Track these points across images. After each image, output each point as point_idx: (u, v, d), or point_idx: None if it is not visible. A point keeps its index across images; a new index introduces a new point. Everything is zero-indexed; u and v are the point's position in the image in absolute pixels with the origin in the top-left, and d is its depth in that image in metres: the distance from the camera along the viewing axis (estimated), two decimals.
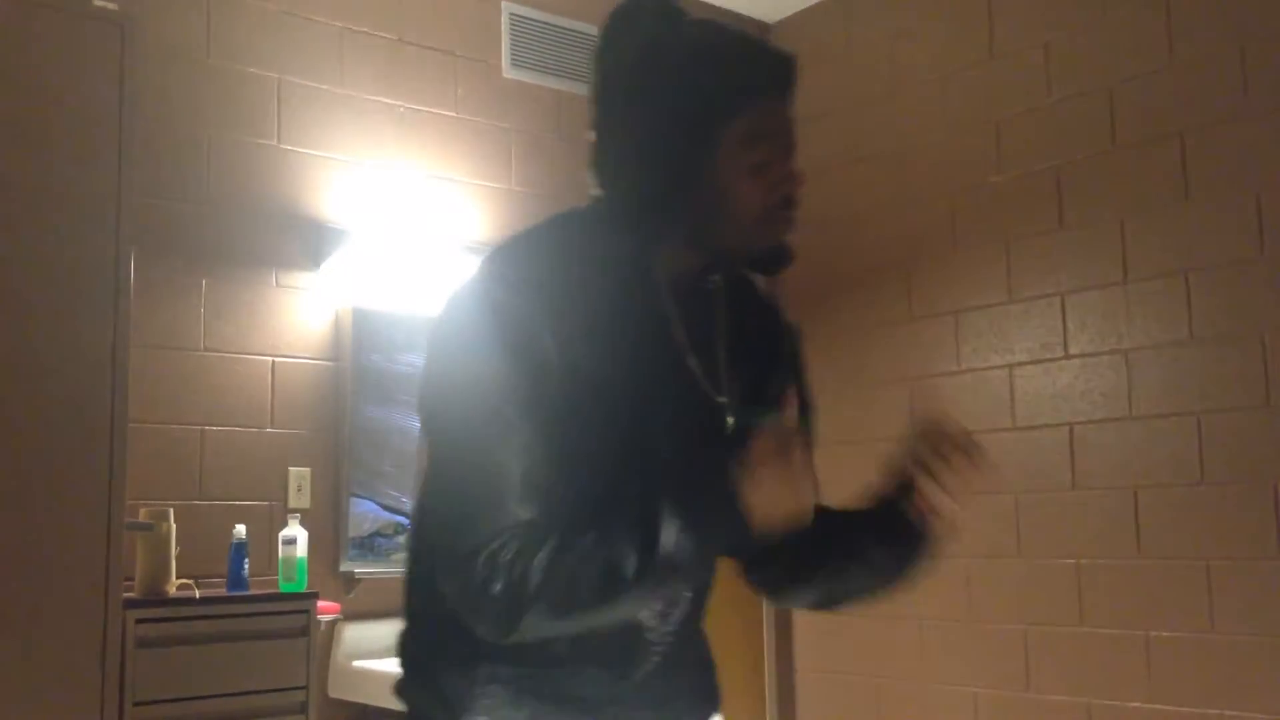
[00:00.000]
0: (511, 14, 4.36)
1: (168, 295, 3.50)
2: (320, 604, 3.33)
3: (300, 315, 3.76)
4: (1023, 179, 4.14)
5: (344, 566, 3.74)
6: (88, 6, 2.82)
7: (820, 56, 4.81)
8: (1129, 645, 3.73)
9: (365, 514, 3.81)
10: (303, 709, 3.18)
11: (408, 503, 3.85)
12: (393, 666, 1.43)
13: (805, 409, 1.44)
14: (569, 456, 1.25)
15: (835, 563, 1.47)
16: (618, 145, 1.36)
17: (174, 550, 3.14)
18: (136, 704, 2.89)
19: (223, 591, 3.29)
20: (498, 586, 1.20)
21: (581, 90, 5.07)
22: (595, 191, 1.39)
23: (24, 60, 2.71)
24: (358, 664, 3.55)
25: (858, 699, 4.52)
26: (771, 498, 1.24)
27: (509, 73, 4.33)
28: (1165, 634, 3.66)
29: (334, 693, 3.59)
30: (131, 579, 3.04)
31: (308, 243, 3.79)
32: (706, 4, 4.83)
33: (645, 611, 1.36)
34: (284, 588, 3.41)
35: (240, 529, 3.37)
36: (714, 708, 1.51)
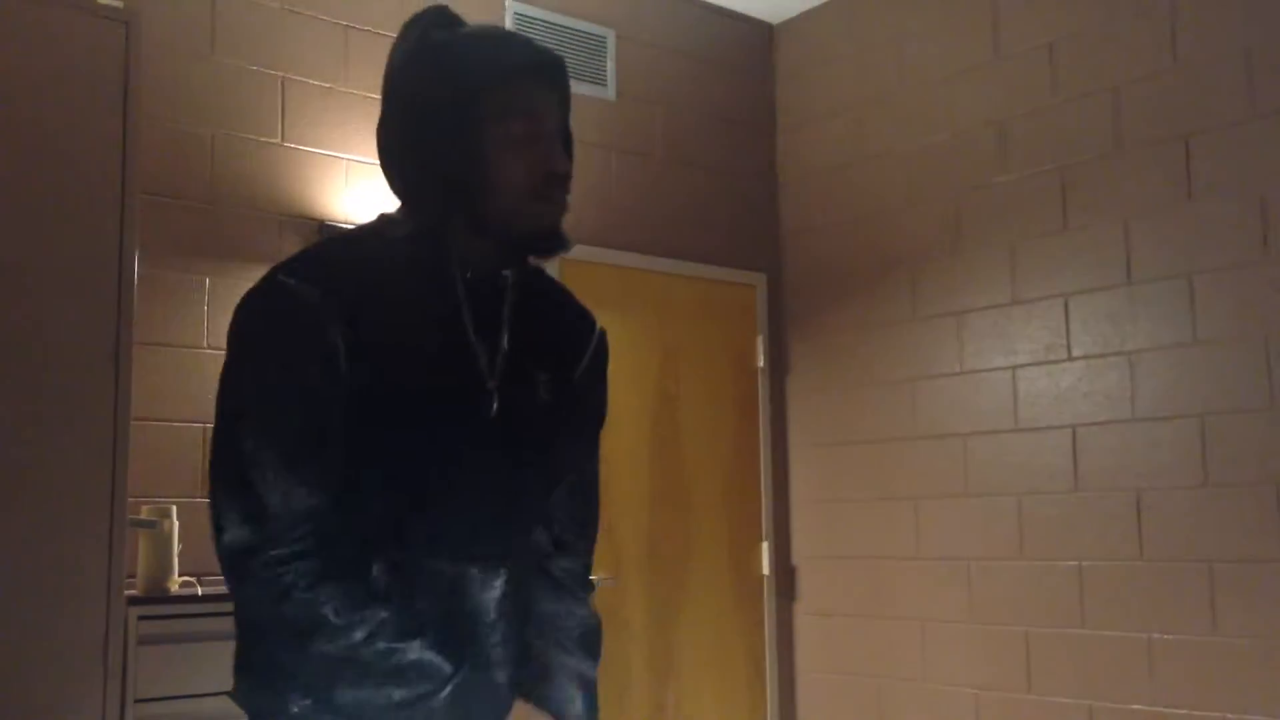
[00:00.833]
0: (516, 12, 4.36)
1: (171, 293, 3.50)
2: None
3: None
4: (1027, 180, 4.14)
5: None
6: (92, 3, 2.82)
7: (824, 57, 4.81)
8: (1131, 647, 3.73)
9: None
10: None
11: None
12: None
13: (586, 409, 1.58)
14: (355, 437, 1.34)
15: None
16: (392, 140, 1.45)
17: (176, 547, 3.14)
18: (138, 701, 2.88)
19: (225, 589, 3.29)
20: (281, 605, 1.33)
21: (586, 89, 5.05)
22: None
23: (28, 56, 2.71)
24: None
25: (859, 699, 4.52)
26: None
27: None
28: (1168, 636, 3.65)
29: None
30: (134, 576, 3.04)
31: (311, 241, 3.79)
32: (711, 5, 4.84)
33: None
34: None
35: None
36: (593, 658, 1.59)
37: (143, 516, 3.09)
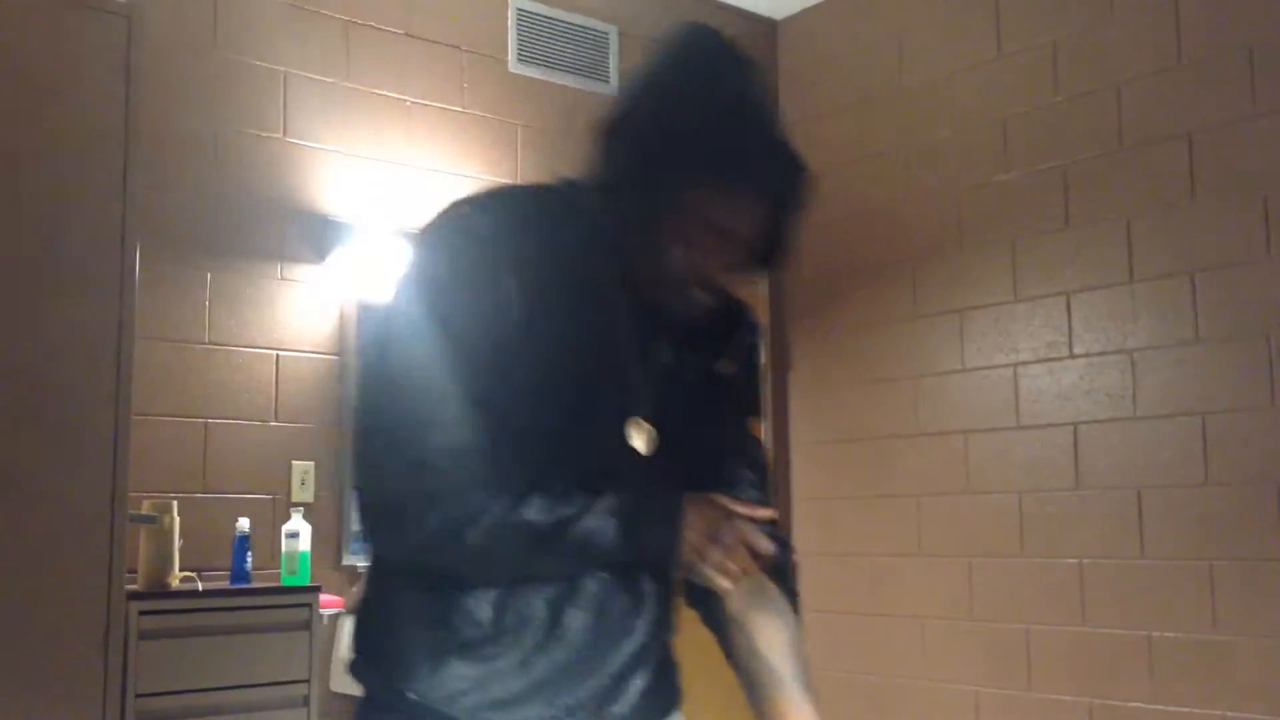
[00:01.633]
0: (519, 9, 4.35)
1: (172, 288, 3.50)
2: (323, 598, 3.34)
3: (305, 309, 3.76)
4: (1029, 178, 4.13)
5: (347, 560, 3.75)
6: None
7: (827, 54, 4.81)
8: (1131, 645, 3.73)
9: None
10: (305, 702, 3.18)
11: None
12: None
13: (742, 398, 1.55)
14: (516, 396, 1.30)
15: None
16: (627, 134, 1.37)
17: (177, 543, 3.14)
18: (139, 695, 2.89)
19: (225, 584, 3.30)
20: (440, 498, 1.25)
21: (588, 85, 5.04)
22: (590, 168, 1.41)
23: (30, 52, 2.71)
24: None
25: (859, 697, 4.52)
26: (702, 543, 1.34)
27: (515, 68, 4.33)
28: (1168, 634, 3.65)
29: (336, 686, 3.59)
30: (134, 571, 3.04)
31: (313, 236, 3.79)
32: (714, 1, 4.83)
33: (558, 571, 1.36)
34: (286, 581, 3.41)
35: (243, 522, 3.38)
36: (675, 705, 1.57)
37: (143, 511, 3.09)
